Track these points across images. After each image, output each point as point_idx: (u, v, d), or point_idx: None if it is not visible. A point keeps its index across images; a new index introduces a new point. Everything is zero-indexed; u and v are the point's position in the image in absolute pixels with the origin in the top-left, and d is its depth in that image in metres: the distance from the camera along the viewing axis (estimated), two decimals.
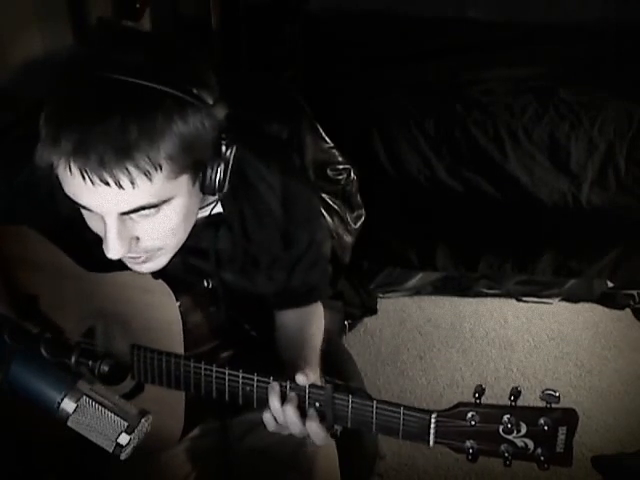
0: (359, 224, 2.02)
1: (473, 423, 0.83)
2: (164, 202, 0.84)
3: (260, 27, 2.40)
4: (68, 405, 0.76)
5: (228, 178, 0.89)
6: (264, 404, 0.93)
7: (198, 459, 1.14)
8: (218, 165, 0.88)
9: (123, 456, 0.77)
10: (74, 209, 0.87)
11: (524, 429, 0.81)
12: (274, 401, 0.92)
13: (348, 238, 1.98)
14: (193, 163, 0.84)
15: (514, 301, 2.43)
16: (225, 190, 0.90)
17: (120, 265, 0.94)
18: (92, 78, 0.78)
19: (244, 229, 1.07)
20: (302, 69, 2.39)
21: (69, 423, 0.76)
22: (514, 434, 0.82)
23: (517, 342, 2.27)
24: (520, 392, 0.82)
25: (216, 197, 0.96)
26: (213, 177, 0.88)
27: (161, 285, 0.99)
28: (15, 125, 1.29)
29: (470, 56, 2.41)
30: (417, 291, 2.42)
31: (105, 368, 0.89)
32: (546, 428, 0.80)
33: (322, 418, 0.91)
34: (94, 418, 0.76)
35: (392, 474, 1.83)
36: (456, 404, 0.84)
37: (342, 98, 2.27)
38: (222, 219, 1.04)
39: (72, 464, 1.13)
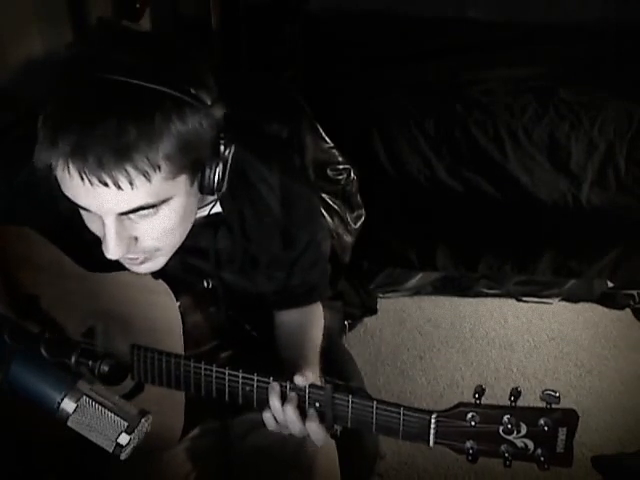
0: (359, 224, 2.01)
1: (473, 423, 0.83)
2: (163, 202, 0.84)
3: (260, 27, 2.40)
4: (68, 405, 0.76)
5: (227, 178, 0.89)
6: (264, 404, 0.93)
7: (198, 459, 1.14)
8: (216, 165, 0.88)
9: (123, 456, 0.76)
10: (74, 209, 0.87)
11: (524, 429, 0.81)
12: (274, 401, 0.92)
13: (348, 238, 1.98)
14: (191, 163, 0.84)
15: (514, 301, 2.43)
16: (224, 190, 0.90)
17: (120, 265, 0.94)
18: (90, 79, 0.78)
19: (244, 229, 1.07)
20: (302, 69, 2.39)
21: (69, 423, 0.76)
22: (514, 434, 0.82)
23: (517, 342, 2.27)
24: (520, 392, 0.82)
25: (215, 197, 0.96)
26: (212, 177, 0.88)
27: (161, 285, 0.99)
28: (15, 125, 1.29)
29: (470, 56, 2.41)
30: (417, 291, 2.42)
31: (105, 368, 0.89)
32: (546, 429, 0.80)
33: (322, 418, 0.91)
34: (94, 418, 0.76)
35: (392, 474, 1.83)
36: (456, 404, 0.84)
37: (342, 98, 2.27)
38: (221, 219, 1.04)
39: (72, 464, 1.13)
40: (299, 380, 0.91)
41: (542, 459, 0.82)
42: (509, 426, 0.81)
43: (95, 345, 1.03)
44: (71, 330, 1.03)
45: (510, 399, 0.82)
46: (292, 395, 0.92)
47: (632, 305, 2.39)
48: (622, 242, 2.28)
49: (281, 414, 0.92)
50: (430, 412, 0.85)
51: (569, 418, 0.81)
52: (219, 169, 0.88)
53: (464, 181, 2.21)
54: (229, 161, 0.89)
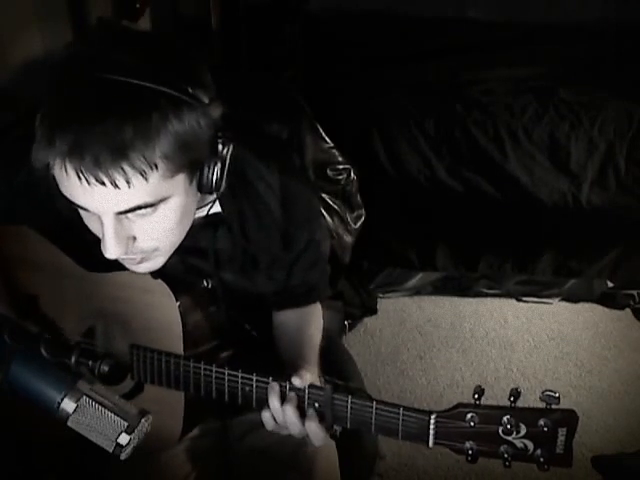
0: (359, 224, 2.01)
1: (473, 424, 0.83)
2: (161, 201, 0.84)
3: (260, 27, 2.40)
4: (68, 405, 0.76)
5: (225, 177, 0.89)
6: (263, 404, 0.93)
7: (198, 459, 1.14)
8: (215, 164, 0.88)
9: (123, 456, 0.77)
10: (73, 209, 0.87)
11: (524, 430, 0.81)
12: (274, 401, 0.92)
13: (348, 238, 1.98)
14: (189, 162, 0.84)
15: (514, 301, 2.43)
16: (222, 189, 0.90)
17: (120, 265, 0.94)
18: (87, 78, 0.78)
19: (243, 229, 1.07)
20: (302, 69, 2.39)
21: (69, 423, 0.76)
22: (514, 435, 0.82)
23: (517, 342, 2.27)
24: (520, 393, 0.82)
25: (214, 197, 0.96)
26: (210, 176, 0.88)
27: (161, 285, 0.99)
28: (15, 125, 1.29)
29: (470, 56, 2.41)
30: (417, 291, 2.42)
31: (105, 368, 0.89)
32: (546, 429, 0.80)
33: (321, 418, 0.91)
34: (94, 418, 0.76)
35: (392, 474, 1.83)
36: (455, 405, 0.84)
37: (342, 98, 2.27)
38: (221, 219, 1.04)
39: (72, 464, 1.13)
40: (296, 381, 0.91)
41: (542, 460, 0.82)
42: (508, 427, 0.81)
43: (95, 345, 1.03)
44: (71, 330, 1.03)
45: (510, 399, 0.82)
46: (291, 395, 0.92)
47: (632, 305, 2.39)
48: (622, 242, 2.28)
49: (280, 414, 0.92)
50: (429, 412, 0.85)
51: (569, 418, 0.81)
52: (217, 168, 0.88)
53: (464, 181, 2.21)
54: (227, 160, 0.89)
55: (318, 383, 0.96)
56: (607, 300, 2.40)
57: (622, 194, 2.21)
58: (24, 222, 1.05)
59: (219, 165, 0.88)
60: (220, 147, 0.87)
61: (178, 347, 1.00)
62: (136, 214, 0.84)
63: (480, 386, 0.83)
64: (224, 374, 0.94)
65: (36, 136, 0.79)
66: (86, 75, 0.78)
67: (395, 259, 2.35)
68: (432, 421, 0.84)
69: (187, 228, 0.93)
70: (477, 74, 2.34)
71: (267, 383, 0.93)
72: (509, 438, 0.82)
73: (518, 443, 0.82)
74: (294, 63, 2.39)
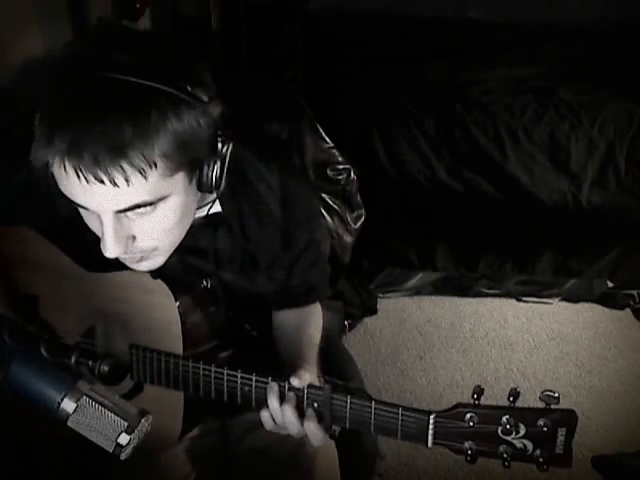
0: (359, 224, 2.01)
1: (472, 424, 0.83)
2: (160, 200, 0.84)
3: (260, 27, 2.40)
4: (68, 405, 0.76)
5: (225, 175, 0.89)
6: (263, 404, 0.93)
7: (198, 459, 1.14)
8: (214, 163, 0.88)
9: (123, 456, 0.77)
10: (73, 209, 0.87)
11: (523, 430, 0.81)
12: (273, 401, 0.92)
13: (348, 238, 1.98)
14: (189, 161, 0.84)
15: (514, 301, 2.43)
16: (222, 188, 0.90)
17: (119, 265, 0.94)
18: (86, 77, 0.78)
19: (243, 229, 1.07)
20: (302, 69, 2.39)
21: (69, 423, 0.76)
22: (513, 435, 0.82)
23: (517, 342, 2.27)
24: (519, 393, 0.82)
25: (214, 196, 0.96)
26: (209, 174, 0.88)
27: (160, 285, 0.99)
28: (15, 125, 1.29)
29: (470, 56, 2.41)
30: (417, 291, 2.42)
31: (105, 368, 0.89)
32: (545, 429, 0.80)
33: (320, 418, 0.91)
34: (94, 418, 0.76)
35: (392, 474, 1.83)
36: (455, 405, 0.84)
37: (342, 98, 2.27)
38: (221, 219, 1.04)
39: (72, 464, 1.13)
40: (295, 382, 0.91)
41: (541, 460, 0.82)
42: (508, 427, 0.81)
43: (95, 345, 1.03)
44: (71, 330, 1.03)
45: (509, 399, 0.82)
46: (290, 395, 0.92)
47: (632, 305, 2.39)
48: (622, 242, 2.28)
49: (279, 414, 0.92)
50: (429, 412, 0.85)
51: (568, 419, 0.81)
52: (217, 167, 0.88)
53: (464, 181, 2.21)
54: (227, 159, 0.89)
55: (317, 383, 0.96)
56: (607, 300, 2.40)
57: (622, 194, 2.21)
58: (24, 222, 1.05)
59: (219, 164, 0.88)
60: (220, 146, 0.87)
61: (178, 347, 1.00)
62: (135, 213, 0.84)
63: (479, 386, 0.83)
64: (223, 374, 0.94)
65: (35, 135, 0.79)
66: (85, 74, 0.78)
67: (395, 259, 2.35)
68: (431, 421, 0.84)
69: (187, 227, 0.94)
70: (477, 74, 2.34)
71: (266, 383, 0.93)
72: (508, 438, 0.82)
73: (517, 443, 0.82)
74: (294, 63, 2.39)
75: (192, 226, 0.95)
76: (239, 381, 0.94)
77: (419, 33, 2.41)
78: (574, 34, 2.36)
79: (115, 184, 0.78)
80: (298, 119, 1.84)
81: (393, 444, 1.78)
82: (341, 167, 1.93)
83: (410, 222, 2.29)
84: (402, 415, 0.86)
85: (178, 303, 0.99)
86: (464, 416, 0.83)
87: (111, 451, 0.76)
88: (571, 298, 2.41)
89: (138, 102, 0.77)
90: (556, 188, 2.21)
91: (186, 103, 0.80)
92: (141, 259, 0.92)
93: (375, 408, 0.87)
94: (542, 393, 0.80)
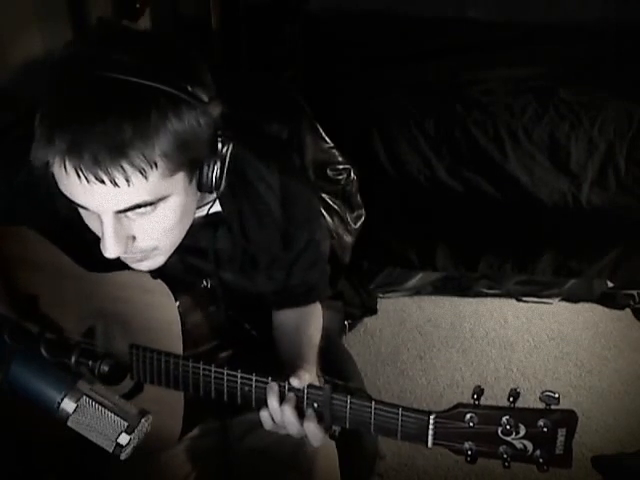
0: (359, 224, 2.01)
1: (472, 424, 0.83)
2: (160, 200, 0.84)
3: (260, 27, 2.40)
4: (68, 405, 0.76)
5: (225, 176, 0.89)
6: (263, 404, 0.93)
7: (198, 459, 1.14)
8: (214, 163, 0.88)
9: (123, 456, 0.77)
10: (73, 209, 0.87)
11: (523, 431, 0.81)
12: (272, 401, 0.92)
13: (348, 238, 1.98)
14: (189, 161, 0.84)
15: (514, 301, 2.43)
16: (222, 188, 0.90)
17: (120, 265, 0.94)
18: (86, 77, 0.78)
19: (243, 229, 1.07)
20: (302, 69, 2.39)
21: (69, 423, 0.76)
22: (513, 436, 0.82)
23: (517, 342, 2.27)
24: (519, 393, 0.82)
25: (214, 196, 0.96)
26: (209, 175, 0.88)
27: (160, 285, 0.99)
28: (15, 125, 1.29)
29: (470, 56, 2.41)
30: (417, 291, 2.42)
31: (105, 368, 0.89)
32: (545, 430, 0.80)
33: (320, 419, 0.91)
34: (94, 418, 0.76)
35: (392, 474, 1.83)
36: (455, 405, 0.84)
37: (342, 98, 2.27)
38: (221, 218, 1.04)
39: (72, 464, 1.13)
40: (295, 382, 0.91)
41: (541, 460, 0.82)
42: (508, 427, 0.81)
43: (95, 345, 1.03)
44: (71, 330, 1.03)
45: (509, 400, 0.82)
46: (290, 395, 0.92)
47: (632, 305, 2.39)
48: (622, 242, 2.28)
49: (279, 414, 0.92)
50: (429, 413, 0.85)
51: (568, 419, 0.81)
52: (217, 167, 0.88)
53: (464, 181, 2.21)
54: (227, 159, 0.89)
55: (317, 383, 0.96)
56: (607, 300, 2.40)
57: (622, 194, 2.21)
58: (24, 222, 1.05)
59: (219, 164, 0.88)
60: (220, 146, 0.87)
61: (177, 347, 1.00)
62: (136, 213, 0.84)
63: (479, 386, 0.83)
64: (223, 374, 0.94)
65: (35, 135, 0.79)
66: (85, 74, 0.78)
67: (395, 259, 2.35)
68: (431, 421, 0.84)
69: (187, 227, 0.94)
70: (477, 74, 2.34)
71: (266, 383, 0.93)
72: (508, 439, 0.82)
73: (517, 444, 0.82)
74: (294, 63, 2.39)
75: (192, 226, 0.95)
76: (239, 381, 0.94)
77: (419, 33, 2.41)
78: (574, 34, 2.36)
79: (115, 184, 0.78)
80: (298, 119, 1.84)
81: (393, 444, 1.78)
82: (341, 167, 1.93)
83: (410, 222, 2.29)
84: (402, 415, 0.86)
85: (178, 303, 0.99)
86: (464, 416, 0.83)
87: (111, 451, 0.76)
88: (571, 298, 2.41)
89: (138, 102, 0.77)
90: (556, 188, 2.21)
91: (186, 103, 0.80)
92: (142, 259, 0.92)
93: (375, 408, 0.87)
94: (542, 393, 0.80)
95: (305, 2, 2.43)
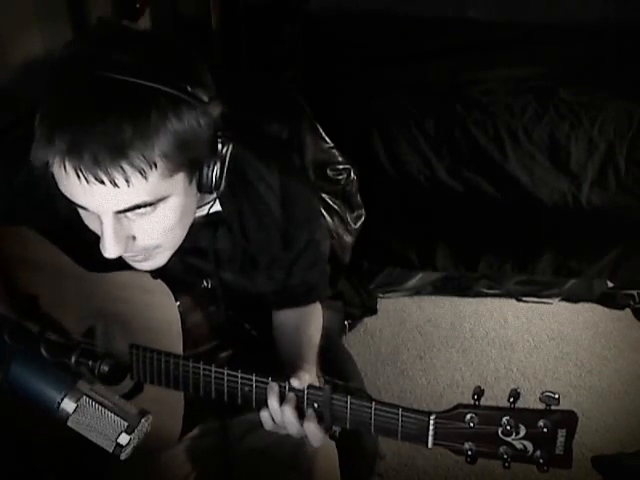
0: (359, 224, 2.01)
1: (472, 425, 0.83)
2: (160, 200, 0.84)
3: (260, 27, 2.40)
4: (68, 405, 0.76)
5: (225, 176, 0.89)
6: (263, 404, 0.93)
7: (198, 459, 1.14)
8: (214, 163, 0.88)
9: (123, 456, 0.77)
10: (73, 209, 0.87)
11: (523, 431, 0.81)
12: (273, 401, 0.92)
13: (348, 238, 1.98)
14: (189, 161, 0.84)
15: (514, 301, 2.43)
16: (222, 188, 0.90)
17: (120, 265, 0.94)
18: (86, 77, 0.78)
19: (243, 229, 1.07)
20: (302, 69, 2.39)
21: (69, 423, 0.76)
22: (513, 436, 0.82)
23: (517, 342, 2.27)
24: (519, 394, 0.82)
25: (214, 196, 0.96)
26: (209, 175, 0.88)
27: (160, 285, 0.99)
28: (15, 125, 1.29)
29: (470, 56, 2.41)
30: (417, 291, 2.42)
31: (105, 368, 0.89)
32: (545, 430, 0.80)
33: (320, 419, 0.91)
34: (94, 418, 0.76)
35: (392, 474, 1.83)
36: (455, 406, 0.84)
37: (342, 98, 2.27)
38: (221, 218, 1.04)
39: (72, 464, 1.13)
40: (295, 383, 0.91)
41: (541, 461, 0.82)
42: (508, 427, 0.81)
43: (95, 345, 1.03)
44: (71, 330, 1.03)
45: (509, 400, 0.82)
46: (290, 395, 0.92)
47: (632, 305, 2.39)
48: (622, 242, 2.28)
49: (279, 414, 0.92)
50: (429, 413, 0.85)
51: (568, 419, 0.81)
52: (217, 167, 0.88)
53: (464, 181, 2.21)
54: (227, 160, 0.89)
55: (317, 383, 0.96)
56: (607, 300, 2.40)
57: (622, 194, 2.21)
58: (24, 222, 1.05)
59: (219, 164, 0.88)
60: (220, 146, 0.87)
61: (178, 347, 1.00)
62: (135, 213, 0.84)
63: (480, 387, 0.83)
64: (223, 374, 0.94)
65: (35, 135, 0.79)
66: (85, 74, 0.78)
67: (395, 259, 2.35)
68: (431, 422, 0.84)
69: (188, 227, 0.94)
70: (477, 74, 2.34)
71: (266, 383, 0.93)
72: (508, 439, 0.82)
73: (517, 444, 0.82)
74: (294, 63, 2.39)
75: (192, 225, 0.95)
76: (239, 381, 0.94)
77: (419, 33, 2.41)
78: (574, 34, 2.36)
79: (115, 184, 0.78)
80: (298, 119, 1.84)
81: (393, 444, 1.78)
82: (341, 167, 1.93)
83: (410, 222, 2.29)
84: (402, 416, 0.86)
85: (178, 303, 0.99)
86: (464, 417, 0.83)
87: (111, 451, 0.76)
88: (571, 298, 2.41)
89: (138, 102, 0.77)
90: (556, 188, 2.21)
91: (186, 103, 0.80)
92: (144, 258, 0.92)
93: (375, 408, 0.87)
94: (542, 394, 0.80)
95: (305, 2, 2.43)
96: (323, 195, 1.91)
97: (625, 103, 2.20)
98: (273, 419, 0.94)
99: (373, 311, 2.34)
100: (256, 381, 0.93)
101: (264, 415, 0.94)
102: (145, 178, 0.79)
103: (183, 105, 0.80)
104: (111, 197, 0.80)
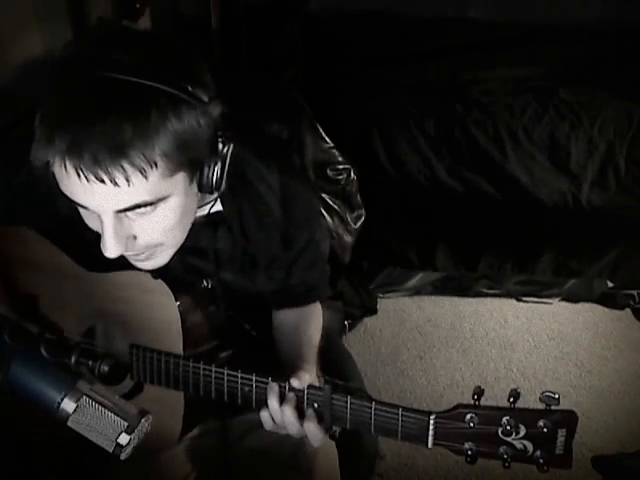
0: (359, 224, 2.01)
1: (472, 425, 0.83)
2: (160, 200, 0.84)
3: (260, 27, 2.40)
4: (68, 405, 0.76)
5: (225, 176, 0.89)
6: (263, 404, 0.93)
7: (198, 459, 1.14)
8: (215, 163, 0.88)
9: (123, 456, 0.77)
10: (73, 208, 0.87)
11: (523, 431, 0.81)
12: (273, 401, 0.92)
13: (348, 238, 1.98)
14: (189, 161, 0.84)
15: (514, 301, 2.43)
16: (222, 189, 0.90)
17: (120, 265, 0.94)
18: (86, 77, 0.78)
19: (243, 229, 1.07)
20: (302, 69, 2.39)
21: (69, 423, 0.76)
22: (513, 436, 0.82)
23: (517, 342, 2.27)
24: (519, 393, 0.82)
25: (215, 195, 0.96)
26: (210, 175, 0.88)
27: (160, 285, 0.99)
28: (15, 125, 1.29)
29: (470, 56, 2.41)
30: (417, 291, 2.42)
31: (105, 368, 0.89)
32: (545, 430, 0.80)
33: (320, 419, 0.91)
34: (94, 418, 0.76)
35: (392, 474, 1.83)
36: (455, 405, 0.84)
37: (342, 98, 2.27)
38: (221, 218, 1.04)
39: (72, 464, 1.13)
40: (295, 383, 0.91)
41: (541, 461, 0.82)
42: (508, 427, 0.81)
43: (95, 345, 1.03)
44: (71, 330, 1.03)
45: (509, 400, 0.82)
46: (290, 395, 0.92)
47: (632, 305, 2.39)
48: (622, 242, 2.28)
49: (279, 414, 0.92)
50: (429, 413, 0.85)
51: (568, 419, 0.81)
52: (217, 168, 0.88)
53: (464, 181, 2.21)
54: (228, 160, 0.89)
55: (317, 383, 0.96)
56: (607, 300, 2.40)
57: (622, 194, 2.21)
58: (24, 222, 1.05)
59: (219, 165, 0.88)
60: (220, 146, 0.87)
61: (178, 347, 1.00)
62: (136, 213, 0.84)
63: (480, 387, 0.83)
64: (223, 374, 0.94)
65: (35, 135, 0.79)
66: (85, 74, 0.78)
67: (395, 259, 2.35)
68: (431, 422, 0.84)
69: (189, 226, 0.94)
70: (477, 74, 2.34)
71: (266, 383, 0.93)
72: (508, 439, 0.82)
73: (517, 444, 0.82)
74: (294, 63, 2.39)
75: (193, 225, 0.95)
76: (239, 381, 0.94)
77: (419, 33, 2.41)
78: (574, 34, 2.36)
79: (116, 184, 0.78)
80: (298, 119, 1.84)
81: (393, 444, 1.78)
82: (341, 167, 1.93)
83: (410, 222, 2.29)
84: (402, 416, 0.86)
85: (178, 303, 0.99)
86: (464, 417, 0.83)
87: (111, 451, 0.76)
88: (571, 298, 2.41)
89: (138, 102, 0.77)
90: (556, 188, 2.21)
91: (186, 103, 0.80)
92: (146, 258, 0.92)
93: (375, 408, 0.87)
94: (542, 394, 0.80)
95: (305, 2, 2.43)
96: (323, 195, 1.91)
97: (625, 103, 2.20)
98: (273, 419, 0.94)
99: (373, 311, 2.34)
100: (256, 381, 0.93)
101: (264, 415, 0.94)
102: (145, 177, 0.79)
103: (183, 105, 0.80)
104: (111, 196, 0.80)
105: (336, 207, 1.95)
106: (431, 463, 1.85)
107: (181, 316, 1.00)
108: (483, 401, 0.83)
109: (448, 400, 2.00)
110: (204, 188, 0.89)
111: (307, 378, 0.93)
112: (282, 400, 0.92)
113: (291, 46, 2.40)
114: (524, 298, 2.42)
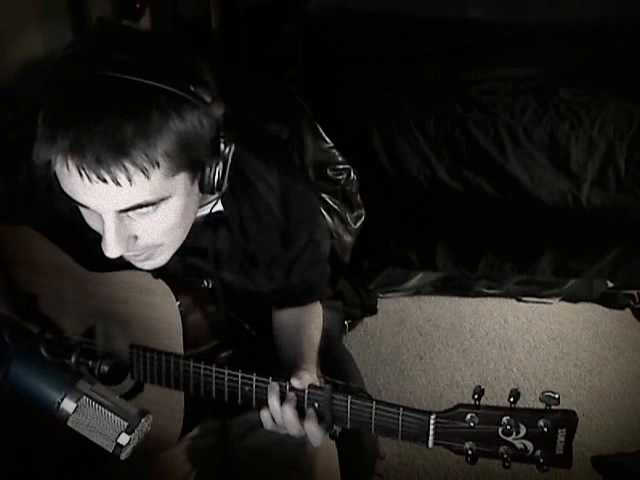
0: (359, 224, 2.01)
1: (472, 424, 0.83)
2: (162, 200, 0.84)
3: (260, 27, 2.40)
4: (68, 405, 0.76)
5: (227, 177, 0.89)
6: (263, 404, 0.93)
7: (198, 459, 1.14)
8: (217, 164, 0.88)
9: (123, 456, 0.77)
10: (74, 208, 0.87)
11: (523, 431, 0.81)
12: (273, 401, 0.92)
13: (348, 238, 1.98)
14: (191, 161, 0.84)
15: (514, 301, 2.43)
16: (224, 189, 0.90)
17: (121, 265, 0.94)
18: (87, 77, 0.78)
19: (243, 228, 1.07)
20: (302, 69, 2.39)
21: (69, 423, 0.76)
22: (513, 436, 0.82)
23: (517, 342, 2.27)
24: (519, 393, 0.82)
25: (216, 195, 0.96)
26: (212, 176, 0.88)
27: (161, 285, 0.99)
28: (15, 125, 1.29)
29: (470, 56, 2.41)
30: (417, 291, 2.42)
31: (105, 368, 0.89)
32: (545, 430, 0.80)
33: (321, 419, 0.91)
34: (94, 418, 0.76)
35: (392, 474, 1.83)
36: (455, 405, 0.84)
37: (342, 98, 2.27)
38: (221, 218, 1.04)
39: (72, 464, 1.13)
40: (295, 383, 0.91)
41: (541, 460, 0.82)
42: (508, 427, 0.81)
43: (95, 345, 1.03)
44: (71, 330, 1.03)
45: (509, 400, 0.82)
46: (291, 395, 0.92)
47: (632, 305, 2.39)
48: (622, 242, 2.28)
49: (279, 414, 0.92)
50: (429, 413, 0.85)
51: (568, 419, 0.81)
52: (219, 168, 0.88)
53: (464, 181, 2.21)
54: (229, 160, 0.89)
55: (317, 383, 0.96)
56: (607, 300, 2.41)
57: (622, 194, 2.21)
58: (25, 222, 1.05)
59: (221, 165, 0.88)
60: (222, 147, 0.87)
61: (178, 347, 1.00)
62: (137, 213, 0.84)
63: (480, 386, 0.83)
64: (224, 374, 0.94)
65: (37, 134, 0.79)
66: (86, 73, 0.78)
67: (395, 259, 2.35)
68: (432, 422, 0.84)
69: (189, 226, 0.94)
70: (477, 74, 2.34)
71: (267, 383, 0.93)
72: (509, 439, 0.82)
73: (518, 444, 0.82)
74: (294, 63, 2.39)
75: (193, 225, 0.95)
76: (240, 381, 0.94)
77: (419, 33, 2.42)
78: (574, 34, 2.36)
79: (117, 183, 0.78)
80: (298, 119, 1.84)
81: (393, 444, 1.78)
82: (341, 167, 1.93)
83: (410, 222, 2.29)
84: (403, 415, 0.86)
85: (179, 303, 0.99)
86: (465, 417, 0.83)
87: (111, 451, 0.76)
88: (571, 298, 2.42)
89: (139, 101, 0.77)
90: (556, 188, 2.21)
91: (188, 103, 0.80)
92: (146, 258, 0.92)
93: (376, 408, 0.87)
94: (542, 394, 0.80)
95: (305, 2, 2.43)
96: (323, 195, 1.91)
97: (625, 103, 2.20)
98: (273, 419, 0.94)
99: (373, 311, 2.34)
100: (256, 381, 0.93)
101: (264, 415, 0.94)
102: (147, 177, 0.79)
103: (185, 104, 0.80)
104: (113, 196, 0.80)
105: (336, 207, 1.95)
106: (431, 463, 1.85)
107: (181, 316, 1.00)
108: (483, 401, 0.83)
109: (448, 400, 2.00)
110: (205, 188, 0.89)
111: (307, 378, 0.93)
112: (282, 400, 0.92)
113: (291, 46, 2.40)
114: (524, 298, 2.42)
